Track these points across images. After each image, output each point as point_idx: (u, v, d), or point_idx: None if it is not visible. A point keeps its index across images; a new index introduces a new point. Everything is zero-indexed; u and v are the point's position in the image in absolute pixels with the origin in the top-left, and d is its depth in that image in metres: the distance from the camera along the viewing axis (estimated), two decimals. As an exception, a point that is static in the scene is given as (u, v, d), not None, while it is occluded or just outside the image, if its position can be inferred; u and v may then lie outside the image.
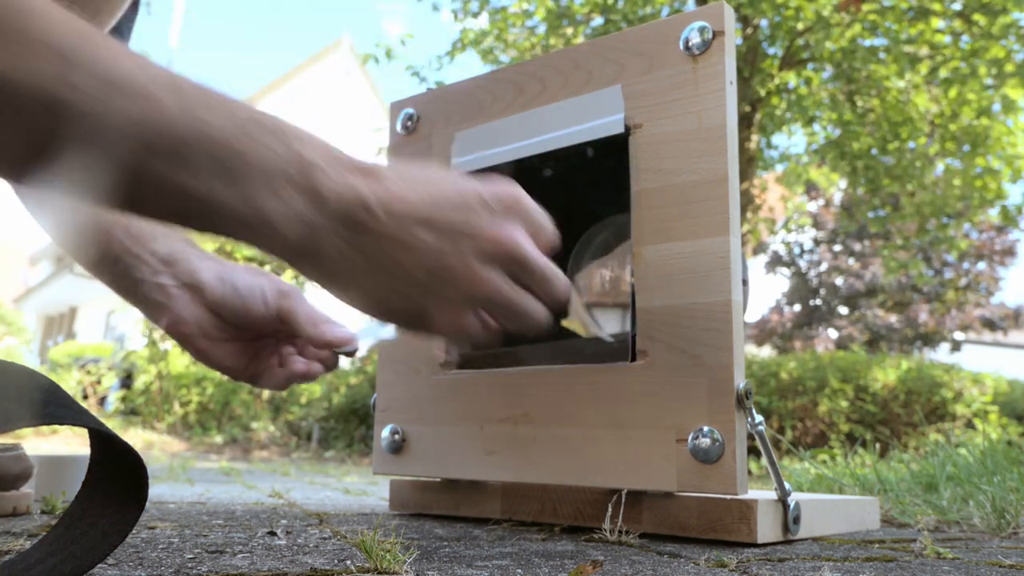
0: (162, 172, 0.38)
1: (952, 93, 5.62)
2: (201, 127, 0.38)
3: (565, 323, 0.60)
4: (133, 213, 0.41)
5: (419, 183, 0.46)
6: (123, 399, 5.97)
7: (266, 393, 5.22)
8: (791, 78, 5.89)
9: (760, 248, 10.98)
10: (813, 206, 11.64)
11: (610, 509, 0.69)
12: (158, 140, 0.37)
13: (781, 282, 13.16)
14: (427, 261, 0.46)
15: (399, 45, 6.01)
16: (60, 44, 0.34)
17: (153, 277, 0.69)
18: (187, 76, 0.40)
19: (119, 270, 0.69)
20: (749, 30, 5.85)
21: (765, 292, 13.31)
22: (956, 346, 11.34)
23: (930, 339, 11.24)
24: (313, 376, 0.72)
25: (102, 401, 6.21)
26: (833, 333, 11.67)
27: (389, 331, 0.68)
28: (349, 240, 0.44)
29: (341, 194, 0.43)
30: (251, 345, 0.72)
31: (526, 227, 0.50)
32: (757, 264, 11.78)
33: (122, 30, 0.73)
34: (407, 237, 0.45)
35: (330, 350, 0.71)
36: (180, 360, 5.55)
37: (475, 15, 6.02)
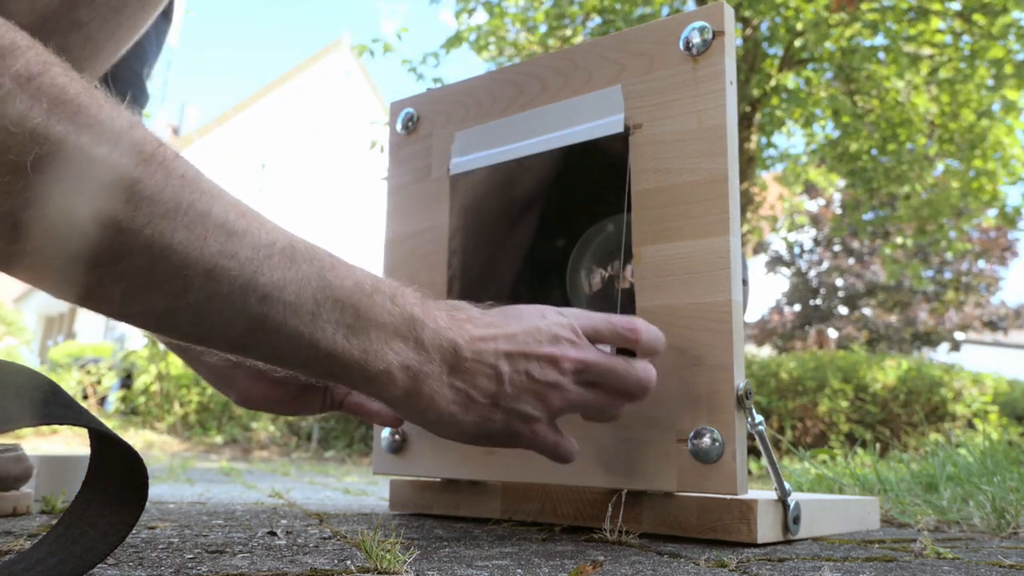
0: (296, 326, 0.45)
1: (946, 97, 5.61)
2: (333, 291, 0.46)
3: None
4: (265, 361, 0.47)
5: (494, 323, 0.55)
6: (123, 399, 5.96)
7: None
8: (789, 79, 5.88)
9: (760, 248, 10.98)
10: (813, 206, 11.64)
11: (610, 509, 0.69)
12: (295, 300, 0.44)
13: (781, 282, 13.16)
14: (508, 387, 0.54)
15: (395, 39, 5.99)
16: (224, 221, 0.41)
17: (209, 356, 0.72)
18: (319, 245, 0.47)
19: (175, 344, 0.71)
20: (749, 30, 5.85)
21: (765, 292, 13.31)
22: (956, 346, 11.34)
23: (930, 339, 11.24)
24: (372, 413, 0.76)
25: (102, 401, 6.21)
26: (833, 333, 11.67)
27: None
28: (446, 379, 0.52)
29: (439, 342, 0.51)
30: (309, 387, 0.75)
31: (593, 338, 0.58)
32: (757, 264, 11.77)
33: (151, 40, 0.74)
34: (491, 369, 0.53)
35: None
36: (180, 360, 5.55)
37: (471, 11, 6.00)
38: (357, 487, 1.57)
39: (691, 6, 5.96)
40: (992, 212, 6.31)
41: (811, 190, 10.71)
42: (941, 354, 11.08)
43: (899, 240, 6.80)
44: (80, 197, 0.36)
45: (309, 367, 0.48)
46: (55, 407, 0.37)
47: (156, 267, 0.39)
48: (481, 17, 5.94)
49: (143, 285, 0.40)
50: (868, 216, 6.91)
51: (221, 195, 0.42)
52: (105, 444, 0.40)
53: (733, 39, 0.66)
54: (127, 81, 0.75)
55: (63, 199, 0.36)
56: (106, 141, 0.37)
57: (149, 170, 0.38)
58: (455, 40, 5.95)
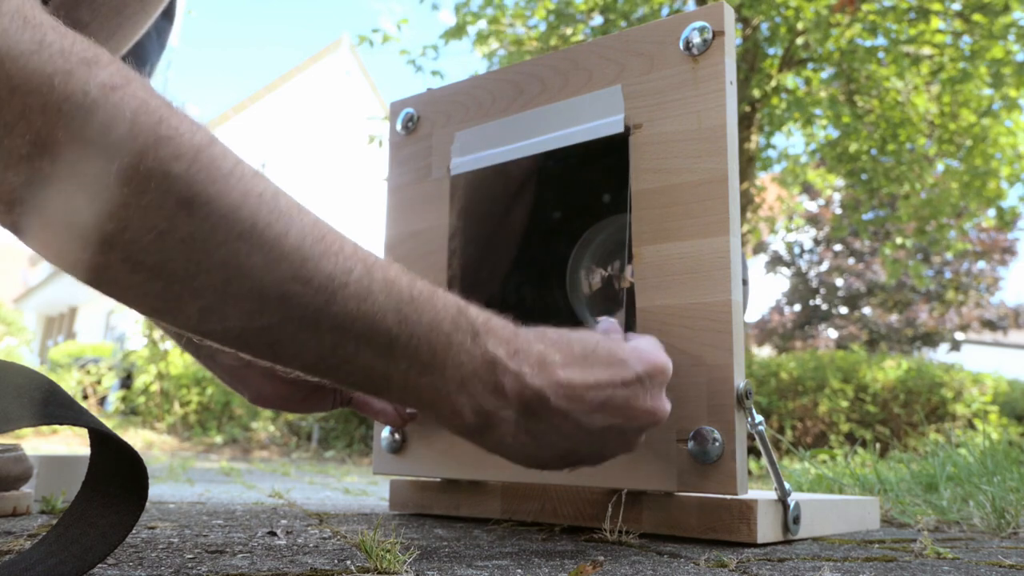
0: (368, 359, 0.44)
1: (947, 98, 5.61)
2: (408, 326, 0.44)
3: None
4: (342, 386, 0.47)
5: (586, 364, 0.50)
6: (123, 399, 5.97)
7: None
8: (789, 79, 5.88)
9: (760, 248, 10.98)
10: (813, 206, 11.64)
11: (610, 509, 0.69)
12: (367, 332, 0.43)
13: (781, 282, 13.16)
14: (593, 436, 0.51)
15: (395, 30, 5.97)
16: (300, 245, 0.40)
17: (222, 356, 0.73)
18: (400, 274, 0.45)
19: (187, 338, 0.72)
20: (749, 30, 5.85)
21: (765, 292, 13.31)
22: (956, 346, 11.34)
23: (930, 339, 11.24)
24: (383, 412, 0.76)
25: (102, 401, 6.21)
26: (833, 333, 11.67)
27: None
28: (523, 424, 0.49)
29: (521, 390, 0.48)
30: (320, 385, 0.76)
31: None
32: (757, 264, 11.77)
33: (152, 40, 0.74)
34: (578, 421, 0.50)
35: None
36: (180, 360, 5.55)
37: (474, 15, 6.00)
38: (357, 487, 1.57)
39: (691, 6, 5.96)
40: (991, 212, 6.31)
41: (809, 191, 10.71)
42: (941, 354, 11.08)
43: (899, 240, 6.80)
44: (156, 212, 0.37)
45: (383, 394, 0.47)
46: (55, 407, 0.37)
47: (231, 287, 0.39)
48: (480, 11, 5.91)
49: (218, 303, 0.40)
50: (868, 216, 6.91)
51: (299, 216, 0.42)
52: (105, 444, 0.40)
53: (733, 39, 0.66)
54: None
55: (140, 212, 0.37)
56: (184, 156, 0.37)
57: (226, 188, 0.38)
58: (455, 31, 5.93)
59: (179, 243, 0.38)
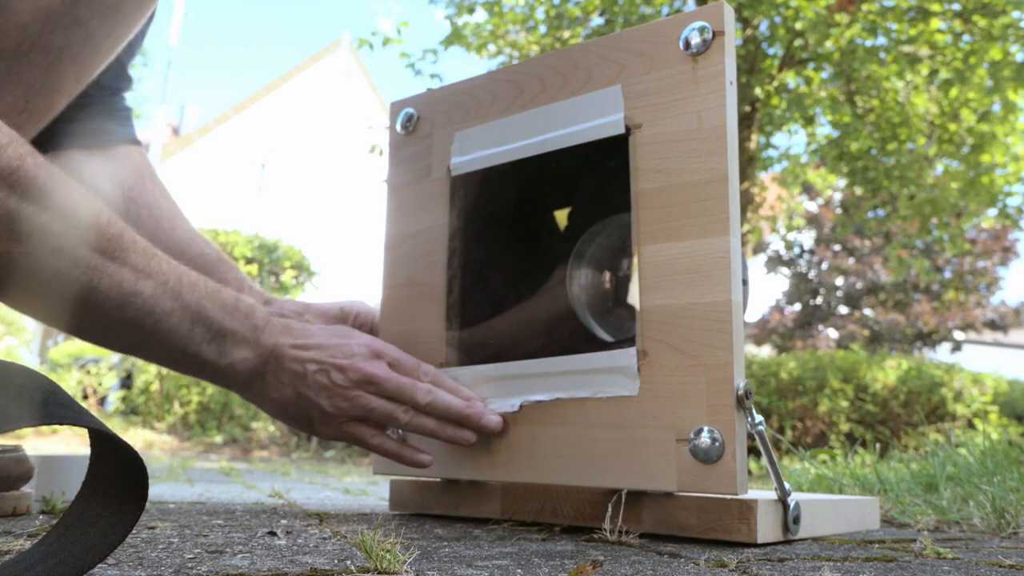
0: (176, 340, 0.63)
1: (952, 94, 5.61)
2: (204, 312, 0.64)
3: None
4: (149, 360, 0.66)
5: (315, 336, 0.70)
6: (123, 399, 5.96)
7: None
8: (790, 78, 5.88)
9: (760, 248, 10.97)
10: (813, 206, 11.64)
11: (610, 509, 0.69)
12: (177, 323, 0.62)
13: (781, 282, 13.16)
14: (309, 382, 0.70)
15: (395, 34, 5.99)
16: (136, 266, 0.59)
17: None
18: (198, 277, 0.64)
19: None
20: (749, 31, 5.84)
21: (765, 292, 13.31)
22: (957, 346, 11.34)
23: (930, 339, 11.23)
24: None
25: (102, 401, 6.20)
26: (833, 333, 11.67)
27: None
28: (266, 376, 0.69)
29: (269, 350, 0.69)
30: None
31: (393, 364, 0.72)
32: (757, 264, 11.77)
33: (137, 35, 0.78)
34: (301, 368, 0.69)
35: None
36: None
37: (471, 10, 6.00)
38: (357, 487, 1.57)
39: (691, 6, 5.96)
40: (992, 212, 6.30)
41: (810, 191, 10.71)
42: (942, 354, 11.08)
43: (903, 239, 6.78)
44: (44, 270, 0.53)
45: (179, 365, 0.65)
46: (55, 407, 0.37)
47: (85, 300, 0.56)
48: (481, 16, 5.94)
49: (67, 309, 0.57)
50: (869, 215, 6.90)
51: (135, 245, 0.59)
52: (105, 444, 0.40)
53: (733, 39, 0.66)
54: (114, 72, 0.80)
55: (32, 267, 0.53)
56: (70, 230, 0.53)
57: (106, 254, 0.56)
58: (453, 37, 5.94)
59: (68, 282, 0.55)
